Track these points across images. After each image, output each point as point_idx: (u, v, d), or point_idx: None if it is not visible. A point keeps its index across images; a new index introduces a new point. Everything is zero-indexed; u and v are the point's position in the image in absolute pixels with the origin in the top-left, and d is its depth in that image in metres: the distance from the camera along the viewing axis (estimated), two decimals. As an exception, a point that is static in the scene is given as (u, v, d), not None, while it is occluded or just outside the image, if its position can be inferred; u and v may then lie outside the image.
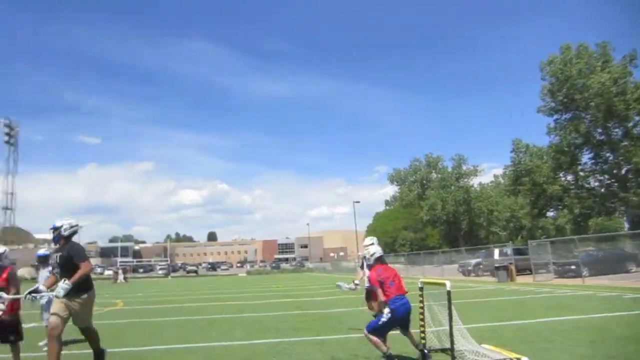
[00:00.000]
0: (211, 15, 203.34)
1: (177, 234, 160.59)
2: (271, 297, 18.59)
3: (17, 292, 5.46)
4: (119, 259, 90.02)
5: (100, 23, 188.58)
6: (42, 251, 8.15)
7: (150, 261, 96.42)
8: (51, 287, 5.12)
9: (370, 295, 6.90)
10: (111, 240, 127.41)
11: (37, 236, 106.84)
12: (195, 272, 66.43)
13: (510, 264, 21.98)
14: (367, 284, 7.20)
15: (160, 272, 65.25)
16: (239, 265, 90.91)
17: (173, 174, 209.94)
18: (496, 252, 27.53)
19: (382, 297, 5.41)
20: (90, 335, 5.44)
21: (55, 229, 5.15)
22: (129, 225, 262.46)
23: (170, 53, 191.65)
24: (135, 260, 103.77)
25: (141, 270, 70.35)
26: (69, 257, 4.96)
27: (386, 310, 5.28)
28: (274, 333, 8.35)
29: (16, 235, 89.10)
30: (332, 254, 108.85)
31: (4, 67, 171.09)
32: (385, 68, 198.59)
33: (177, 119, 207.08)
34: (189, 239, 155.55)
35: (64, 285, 4.67)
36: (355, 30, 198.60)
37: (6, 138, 75.97)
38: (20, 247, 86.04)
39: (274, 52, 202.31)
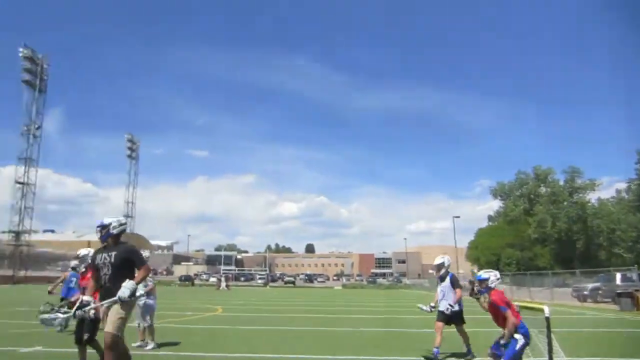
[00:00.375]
0: (314, 32, 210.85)
1: (277, 245, 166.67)
2: (363, 312, 18.27)
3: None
4: (222, 267, 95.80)
5: (216, 46, 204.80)
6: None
7: (251, 270, 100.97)
8: (94, 294, 4.75)
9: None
10: (216, 249, 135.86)
11: (153, 242, 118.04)
12: (293, 282, 68.09)
13: (637, 290, 19.26)
14: (445, 306, 6.76)
15: (259, 281, 67.90)
16: (335, 278, 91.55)
17: (274, 186, 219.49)
18: (618, 276, 24.37)
19: (514, 320, 5.05)
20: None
21: (104, 227, 4.75)
22: (233, 234, 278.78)
23: (276, 71, 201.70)
24: (237, 268, 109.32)
25: (242, 278, 73.81)
26: (127, 259, 4.60)
27: (518, 336, 5.01)
28: (358, 349, 8.08)
29: (135, 241, 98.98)
30: (430, 271, 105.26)
31: (129, 88, 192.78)
32: (490, 78, 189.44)
33: (282, 134, 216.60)
34: (288, 250, 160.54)
35: (127, 284, 4.24)
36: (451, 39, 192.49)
37: (128, 152, 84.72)
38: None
39: (376, 67, 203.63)
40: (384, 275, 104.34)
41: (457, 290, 6.95)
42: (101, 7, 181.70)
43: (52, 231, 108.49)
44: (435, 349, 6.62)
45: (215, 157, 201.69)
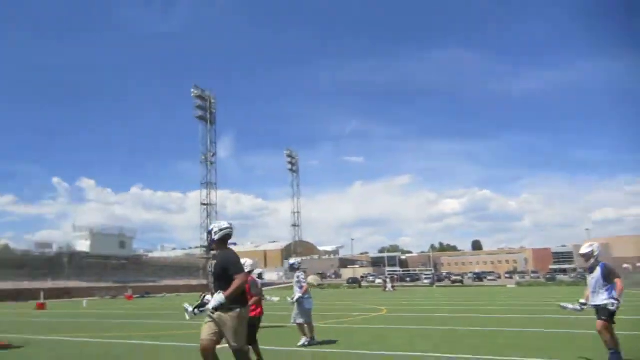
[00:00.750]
0: (459, 18, 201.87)
1: (441, 244, 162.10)
2: (540, 312, 16.84)
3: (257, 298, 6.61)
4: (386, 269, 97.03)
5: (356, 52, 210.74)
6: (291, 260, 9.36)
7: (415, 270, 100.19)
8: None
9: None
10: (380, 251, 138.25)
11: (321, 248, 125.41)
12: (461, 282, 65.49)
13: None
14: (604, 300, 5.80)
15: (425, 281, 66.95)
16: (507, 275, 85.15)
17: (431, 184, 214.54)
18: None
19: None
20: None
21: (208, 233, 4.63)
22: (395, 236, 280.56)
23: (422, 64, 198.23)
24: (402, 269, 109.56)
25: (408, 279, 73.60)
26: (223, 267, 4.38)
27: None
28: (525, 351, 7.60)
29: (304, 248, 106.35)
30: (625, 265, 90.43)
31: (282, 106, 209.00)
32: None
33: (433, 130, 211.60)
34: (453, 248, 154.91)
35: (217, 297, 4.14)
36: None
37: (289, 166, 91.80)
38: (308, 258, 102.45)
39: (531, 44, 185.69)
40: (564, 271, 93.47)
41: (617, 280, 5.86)
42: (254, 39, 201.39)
43: (235, 244, 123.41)
44: (611, 351, 5.78)
45: (370, 162, 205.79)
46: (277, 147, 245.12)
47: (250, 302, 5.68)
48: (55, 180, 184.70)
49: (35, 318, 19.08)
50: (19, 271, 47.50)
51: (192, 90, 68.78)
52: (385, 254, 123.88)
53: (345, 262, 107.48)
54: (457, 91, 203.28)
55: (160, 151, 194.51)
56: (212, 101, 71.02)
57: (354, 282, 63.51)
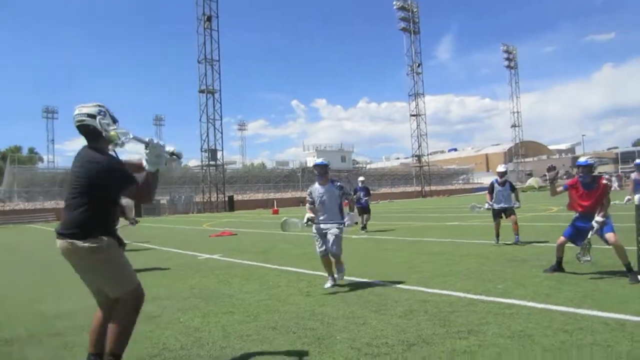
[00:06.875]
0: None
1: None
2: None
3: None
4: (634, 165, 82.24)
5: None
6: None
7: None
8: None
9: None
10: (635, 144, 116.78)
11: (552, 147, 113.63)
12: None
13: None
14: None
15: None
16: None
17: None
18: None
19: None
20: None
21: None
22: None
23: None
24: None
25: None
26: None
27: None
28: None
29: (531, 148, 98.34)
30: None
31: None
32: None
33: None
34: None
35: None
36: None
37: (506, 63, 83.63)
38: (535, 159, 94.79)
39: None
40: None
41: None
42: None
43: (455, 149, 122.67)
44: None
45: (623, 37, 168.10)
46: (501, 40, 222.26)
47: None
48: (294, 102, 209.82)
49: (265, 219, 25.13)
50: (267, 184, 60.06)
51: (395, 1, 68.29)
52: (636, 148, 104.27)
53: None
54: None
55: (378, 64, 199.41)
56: (415, 10, 69.29)
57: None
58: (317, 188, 5.80)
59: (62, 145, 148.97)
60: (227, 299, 5.32)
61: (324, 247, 5.63)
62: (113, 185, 2.81)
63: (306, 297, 5.11)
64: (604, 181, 5.55)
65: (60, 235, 2.81)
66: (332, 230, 5.61)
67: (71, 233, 2.77)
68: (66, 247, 2.78)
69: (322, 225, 5.63)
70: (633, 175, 9.61)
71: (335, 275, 5.78)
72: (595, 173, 5.61)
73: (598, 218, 5.39)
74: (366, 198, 13.38)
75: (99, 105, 2.88)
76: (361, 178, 14.41)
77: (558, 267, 5.81)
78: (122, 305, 2.83)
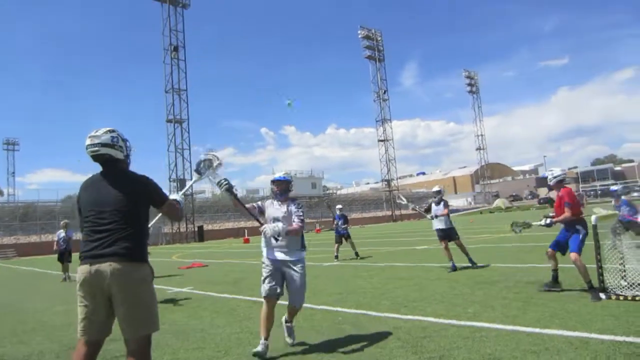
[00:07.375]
0: None
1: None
2: None
3: None
4: (597, 184, 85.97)
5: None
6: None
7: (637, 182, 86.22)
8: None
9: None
10: (593, 163, 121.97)
11: (516, 168, 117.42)
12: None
13: None
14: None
15: (635, 194, 58.02)
16: None
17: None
18: None
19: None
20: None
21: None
22: (616, 144, 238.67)
23: None
24: (618, 182, 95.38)
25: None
26: None
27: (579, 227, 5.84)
28: None
29: (496, 170, 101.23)
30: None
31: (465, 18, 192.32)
32: None
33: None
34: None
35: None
36: None
37: (468, 88, 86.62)
38: (501, 180, 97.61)
39: None
40: None
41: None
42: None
43: (423, 173, 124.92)
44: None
45: (577, 61, 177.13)
46: (463, 66, 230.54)
47: None
48: (263, 130, 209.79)
49: (236, 249, 24.77)
50: (237, 213, 59.46)
51: (359, 31, 70.30)
52: (595, 167, 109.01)
53: (544, 181, 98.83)
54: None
55: (345, 91, 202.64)
56: (379, 39, 71.49)
57: (546, 201, 59.09)
58: (274, 205, 4.40)
59: (23, 177, 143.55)
60: (198, 333, 5.19)
61: (276, 287, 4.15)
62: (157, 201, 2.84)
63: (278, 327, 5.05)
64: (561, 193, 5.89)
65: (101, 257, 2.53)
66: (296, 267, 4.19)
67: (123, 254, 2.55)
68: (112, 270, 2.50)
69: (278, 255, 4.21)
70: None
71: (287, 338, 4.38)
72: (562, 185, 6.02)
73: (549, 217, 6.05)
74: (345, 226, 13.42)
75: (111, 131, 2.82)
76: (339, 206, 14.50)
77: (554, 280, 5.98)
78: (143, 345, 2.57)
